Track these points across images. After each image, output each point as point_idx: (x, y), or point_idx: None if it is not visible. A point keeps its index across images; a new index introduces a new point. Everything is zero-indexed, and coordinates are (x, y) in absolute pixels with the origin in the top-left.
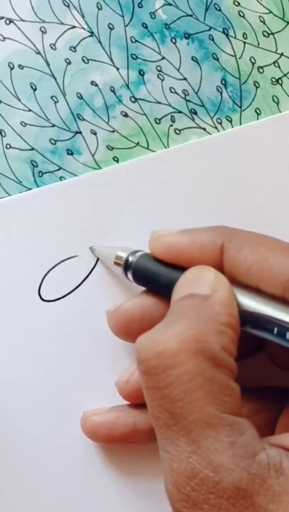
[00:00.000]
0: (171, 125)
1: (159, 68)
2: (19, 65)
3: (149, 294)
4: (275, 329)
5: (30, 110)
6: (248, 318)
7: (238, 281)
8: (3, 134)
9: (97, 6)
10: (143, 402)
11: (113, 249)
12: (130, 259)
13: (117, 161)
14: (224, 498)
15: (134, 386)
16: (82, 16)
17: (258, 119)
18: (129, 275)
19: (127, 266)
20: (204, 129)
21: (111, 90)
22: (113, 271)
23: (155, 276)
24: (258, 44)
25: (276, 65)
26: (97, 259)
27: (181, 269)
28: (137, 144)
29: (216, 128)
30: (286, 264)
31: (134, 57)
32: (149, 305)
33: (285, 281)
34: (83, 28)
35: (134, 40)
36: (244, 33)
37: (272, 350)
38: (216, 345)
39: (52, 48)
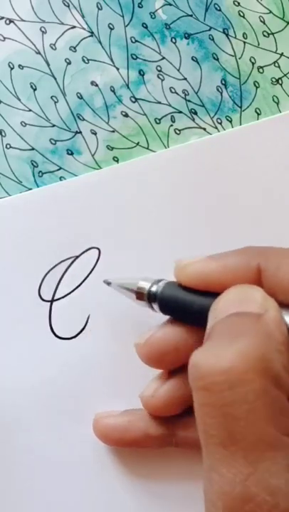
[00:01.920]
0: (171, 125)
1: (159, 68)
2: (19, 65)
3: (178, 323)
4: None
5: (30, 110)
6: None
7: (282, 301)
8: (3, 134)
9: (97, 6)
10: (168, 416)
11: (132, 280)
12: (154, 289)
13: (117, 161)
14: None
15: (160, 400)
16: (82, 16)
17: (258, 119)
18: (155, 306)
19: (150, 297)
20: (204, 129)
21: (111, 90)
22: (134, 302)
23: (187, 305)
24: (258, 44)
25: (276, 65)
26: (97, 259)
27: (214, 295)
28: (137, 144)
29: (216, 128)
30: None
31: (134, 57)
32: (182, 333)
33: None
34: (83, 28)
35: (134, 40)
36: (244, 33)
37: None
38: (279, 364)
39: (52, 48)
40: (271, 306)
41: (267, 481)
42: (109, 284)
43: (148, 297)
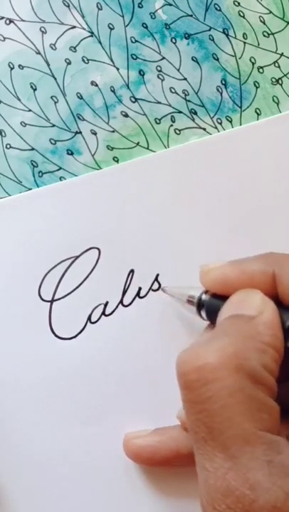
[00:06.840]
0: (171, 125)
1: (159, 68)
2: (19, 65)
3: None
4: None
5: (30, 110)
6: None
7: None
8: (3, 134)
9: (97, 6)
10: None
11: (185, 289)
12: (203, 298)
13: (117, 161)
14: None
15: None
16: (82, 16)
17: (258, 119)
18: (203, 314)
19: (200, 305)
20: (204, 129)
21: (111, 90)
22: (185, 309)
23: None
24: (258, 44)
25: (276, 65)
26: (97, 259)
27: None
28: (137, 144)
29: (216, 128)
30: None
31: (134, 57)
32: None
33: None
34: (83, 28)
35: (134, 40)
36: (244, 33)
37: None
38: (256, 362)
39: (52, 48)
40: (268, 308)
41: (246, 475)
42: (164, 290)
43: (197, 305)
